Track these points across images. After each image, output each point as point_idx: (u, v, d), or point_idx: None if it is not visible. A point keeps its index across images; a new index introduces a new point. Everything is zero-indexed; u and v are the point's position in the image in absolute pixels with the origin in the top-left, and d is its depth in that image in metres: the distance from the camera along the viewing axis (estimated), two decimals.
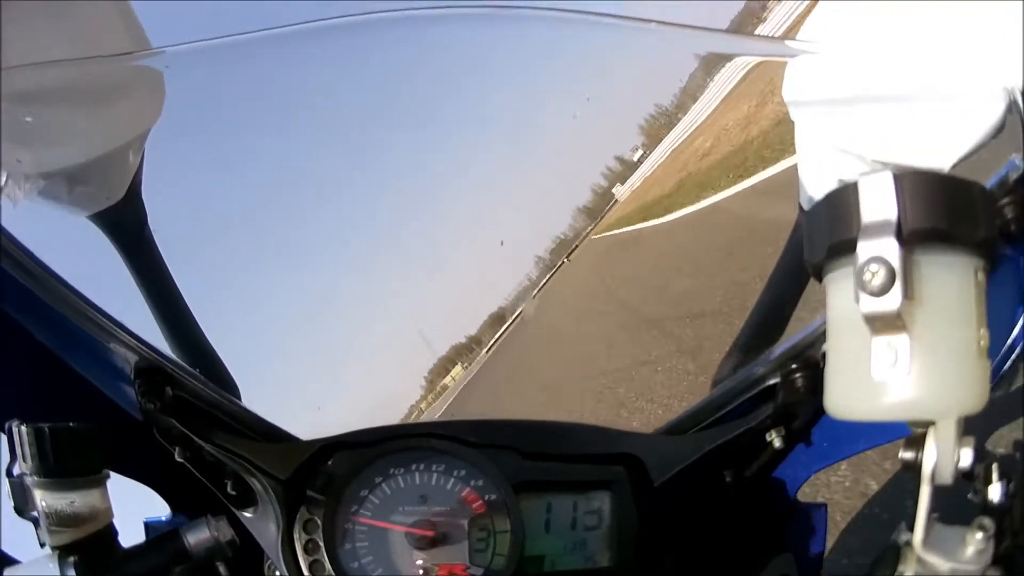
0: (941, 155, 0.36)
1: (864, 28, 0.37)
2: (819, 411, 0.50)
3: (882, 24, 0.36)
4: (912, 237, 0.27)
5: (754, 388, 0.51)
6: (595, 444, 0.57)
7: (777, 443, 0.50)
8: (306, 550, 0.54)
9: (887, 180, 0.27)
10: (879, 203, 0.28)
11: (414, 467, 0.56)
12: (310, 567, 0.53)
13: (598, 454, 0.57)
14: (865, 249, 0.27)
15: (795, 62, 0.41)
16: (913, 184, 0.27)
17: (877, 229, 0.27)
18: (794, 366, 0.49)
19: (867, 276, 0.27)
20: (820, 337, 0.47)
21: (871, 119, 0.38)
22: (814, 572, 0.57)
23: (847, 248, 0.28)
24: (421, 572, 0.53)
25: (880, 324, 0.28)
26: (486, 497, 0.55)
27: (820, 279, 0.32)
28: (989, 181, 0.38)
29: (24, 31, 0.43)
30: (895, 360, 0.28)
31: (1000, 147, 0.37)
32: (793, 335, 0.51)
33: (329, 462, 0.56)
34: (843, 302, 0.30)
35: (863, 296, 0.27)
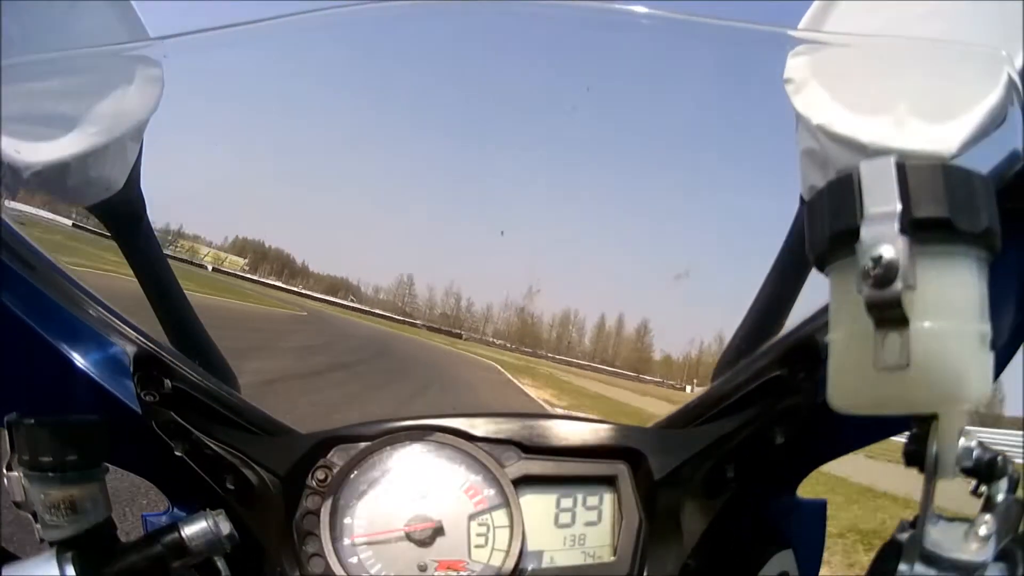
0: (942, 145, 0.36)
1: (867, 16, 0.37)
2: (821, 405, 0.49)
3: (885, 12, 0.36)
4: (915, 226, 0.27)
5: (755, 381, 0.51)
6: (595, 438, 0.57)
7: (779, 438, 0.50)
8: (305, 545, 0.53)
9: (889, 168, 0.27)
10: (881, 191, 0.27)
11: (413, 461, 0.56)
12: (308, 562, 0.53)
13: (599, 448, 0.57)
14: (868, 238, 0.27)
15: (798, 50, 0.41)
16: (916, 173, 0.27)
17: (879, 218, 0.27)
18: (795, 359, 0.49)
19: (869, 266, 0.27)
20: (821, 329, 0.47)
21: (873, 107, 0.38)
22: (813, 568, 0.56)
23: (849, 237, 0.28)
24: (420, 567, 0.53)
25: (882, 315, 0.27)
26: (486, 492, 0.55)
27: (823, 269, 0.32)
28: (988, 171, 0.38)
29: (25, 26, 0.43)
30: (897, 352, 0.28)
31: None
32: (794, 327, 0.50)
33: (328, 456, 0.56)
34: (846, 292, 0.29)
35: (865, 286, 0.27)
